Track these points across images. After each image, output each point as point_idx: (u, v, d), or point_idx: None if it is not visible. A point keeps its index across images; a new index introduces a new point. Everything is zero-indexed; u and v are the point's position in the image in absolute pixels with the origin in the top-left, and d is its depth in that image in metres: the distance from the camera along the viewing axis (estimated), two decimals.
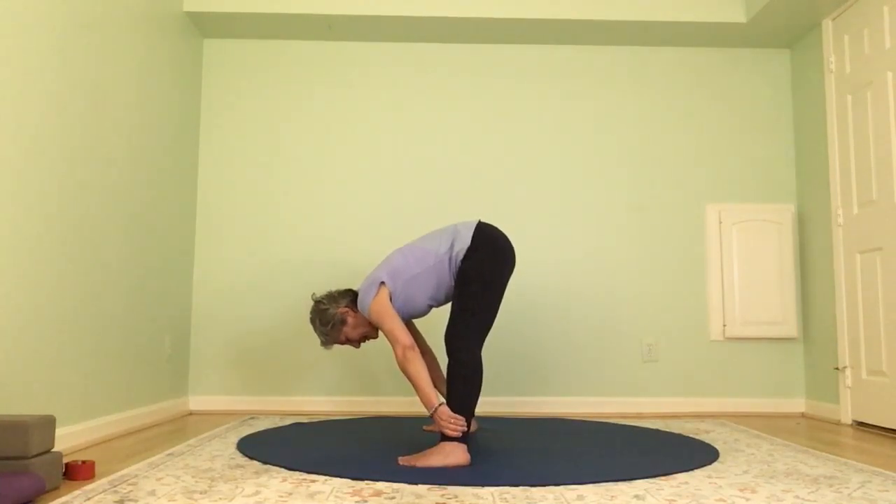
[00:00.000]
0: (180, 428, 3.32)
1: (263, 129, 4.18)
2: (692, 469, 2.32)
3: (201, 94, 4.19)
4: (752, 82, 4.26)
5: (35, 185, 2.44)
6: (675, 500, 1.90)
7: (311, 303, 3.07)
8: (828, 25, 3.84)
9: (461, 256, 2.64)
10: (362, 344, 3.67)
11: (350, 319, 2.85)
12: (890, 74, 3.34)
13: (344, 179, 4.14)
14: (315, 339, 3.97)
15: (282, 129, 4.18)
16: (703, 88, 4.26)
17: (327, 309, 2.84)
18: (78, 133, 2.73)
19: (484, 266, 2.60)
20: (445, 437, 2.36)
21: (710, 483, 2.13)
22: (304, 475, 2.19)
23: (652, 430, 3.28)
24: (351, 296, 2.89)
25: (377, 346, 3.85)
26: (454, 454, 2.33)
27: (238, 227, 4.10)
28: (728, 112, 4.24)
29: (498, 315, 4.03)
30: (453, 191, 4.14)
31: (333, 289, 3.41)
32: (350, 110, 4.19)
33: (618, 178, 4.18)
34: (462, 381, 2.43)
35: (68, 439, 2.65)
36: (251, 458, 2.46)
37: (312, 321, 2.89)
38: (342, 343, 2.92)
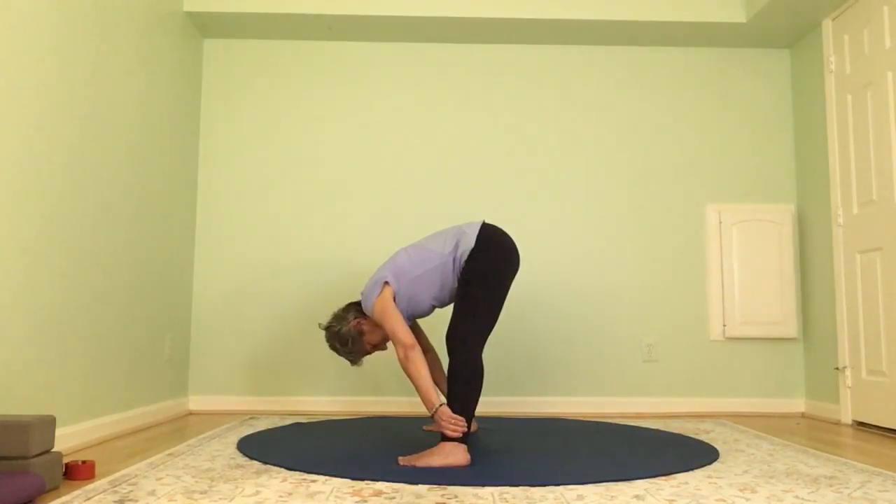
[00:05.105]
0: (180, 428, 3.32)
1: (263, 129, 4.18)
2: (692, 469, 2.32)
3: (201, 94, 4.19)
4: (752, 82, 4.26)
5: (34, 184, 2.44)
6: (675, 500, 1.90)
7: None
8: (828, 25, 3.84)
9: (465, 257, 2.64)
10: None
11: (365, 327, 2.85)
12: (890, 74, 3.34)
13: (344, 179, 4.14)
14: (315, 340, 3.97)
15: (282, 129, 4.18)
16: (703, 88, 4.25)
17: (339, 329, 2.84)
18: (78, 132, 2.73)
19: (488, 267, 2.60)
20: (445, 438, 2.36)
21: (710, 483, 2.13)
22: (304, 475, 2.19)
23: (652, 430, 3.28)
24: (356, 307, 2.89)
25: None
26: (454, 454, 2.33)
27: (238, 227, 4.10)
28: (728, 112, 4.24)
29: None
30: (453, 191, 4.14)
31: (336, 308, 3.34)
32: (350, 110, 4.19)
33: (618, 178, 4.18)
34: (463, 382, 2.43)
35: (68, 439, 2.65)
36: (251, 458, 2.46)
37: (332, 347, 2.88)
38: (369, 353, 2.91)
